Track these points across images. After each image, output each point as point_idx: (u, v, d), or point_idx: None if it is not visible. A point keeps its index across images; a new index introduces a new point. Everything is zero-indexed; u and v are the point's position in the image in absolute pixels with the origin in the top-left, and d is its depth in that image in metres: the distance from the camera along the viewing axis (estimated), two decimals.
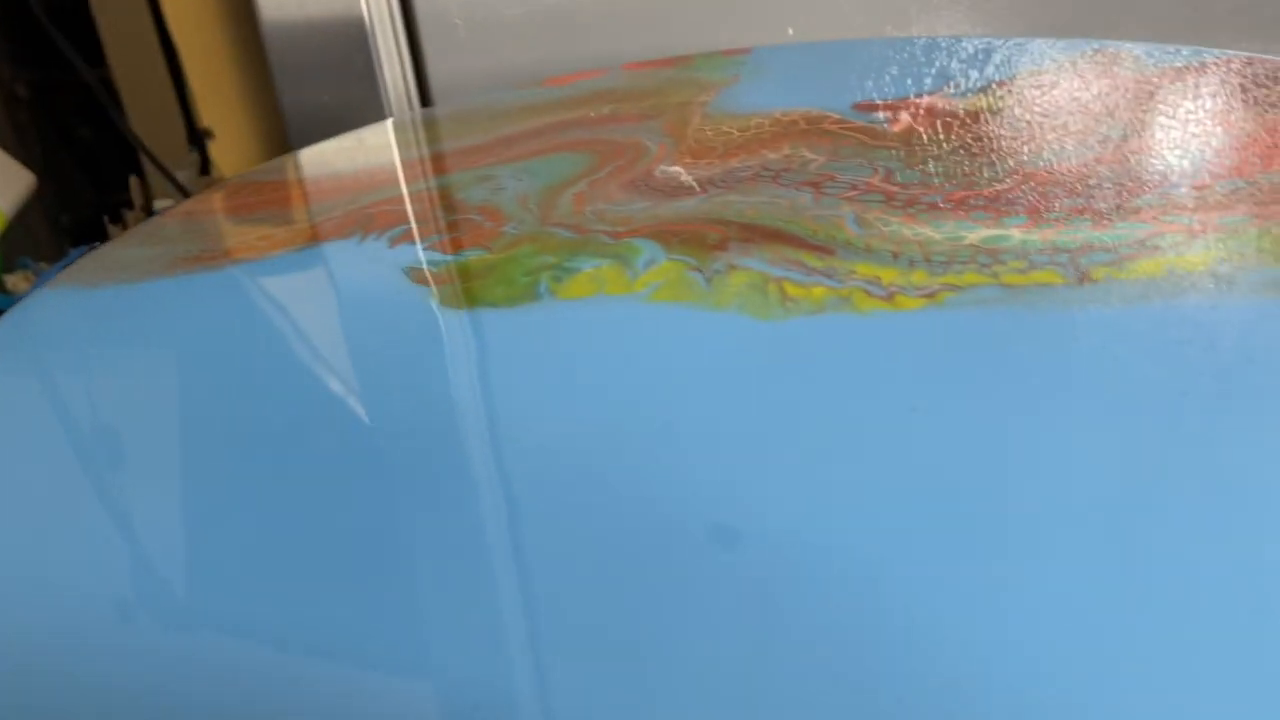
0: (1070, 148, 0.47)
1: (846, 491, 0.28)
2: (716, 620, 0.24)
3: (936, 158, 0.47)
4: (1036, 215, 0.41)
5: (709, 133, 0.54)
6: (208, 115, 0.92)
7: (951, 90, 0.56)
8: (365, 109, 0.80)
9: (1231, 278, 0.35)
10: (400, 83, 0.80)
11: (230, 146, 0.93)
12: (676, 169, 0.48)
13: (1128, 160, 0.45)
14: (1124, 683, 0.21)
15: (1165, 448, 0.28)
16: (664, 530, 0.27)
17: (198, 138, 0.93)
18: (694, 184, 0.45)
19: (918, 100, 0.55)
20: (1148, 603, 0.23)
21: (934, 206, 0.43)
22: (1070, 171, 0.44)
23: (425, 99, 0.82)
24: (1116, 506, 0.26)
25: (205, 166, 0.96)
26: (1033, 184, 0.44)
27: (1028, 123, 0.51)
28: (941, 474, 0.28)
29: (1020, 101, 0.54)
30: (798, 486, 0.28)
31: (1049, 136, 0.49)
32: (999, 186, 0.44)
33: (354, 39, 0.79)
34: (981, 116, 0.52)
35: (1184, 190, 0.42)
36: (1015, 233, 0.40)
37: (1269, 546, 0.24)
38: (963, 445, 0.29)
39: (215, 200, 0.56)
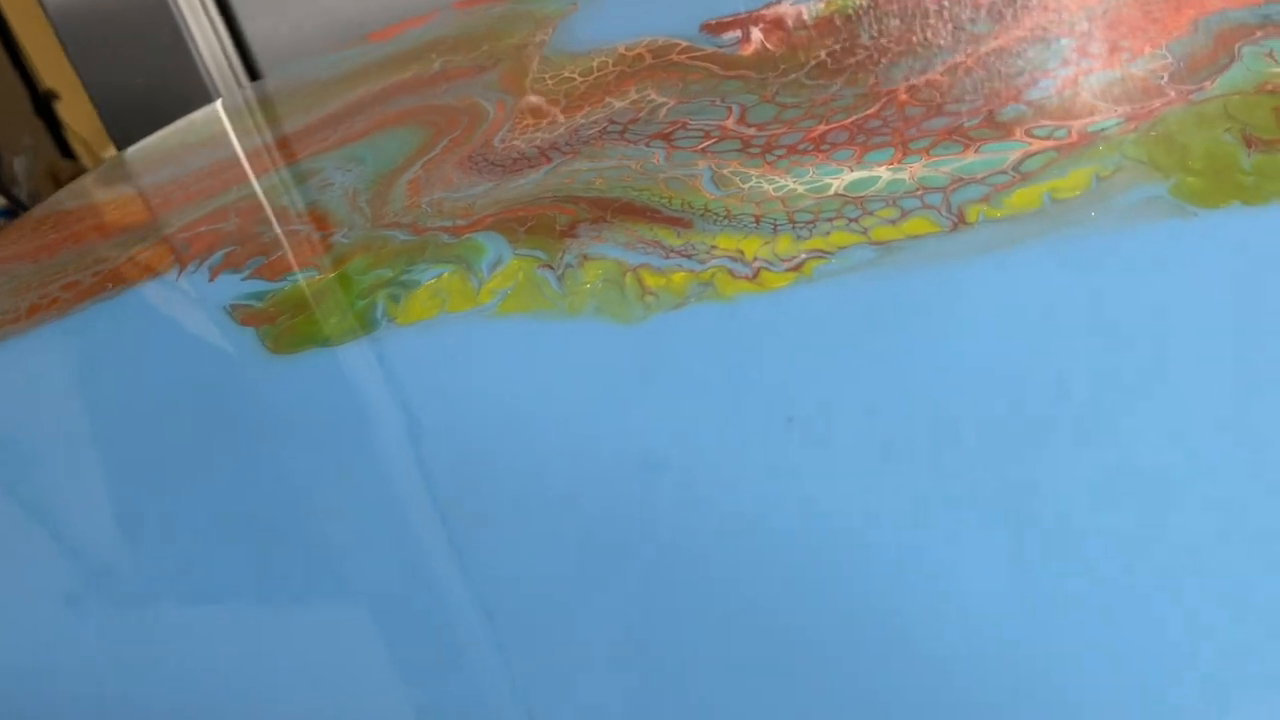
0: (932, 53, 0.43)
1: (723, 519, 0.25)
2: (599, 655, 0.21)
3: (791, 85, 0.44)
4: (903, 146, 0.37)
5: (549, 81, 0.50)
6: (50, 78, 0.83)
7: None
8: (185, 86, 0.72)
9: (1108, 198, 0.32)
10: (218, 52, 0.73)
11: (82, 108, 0.85)
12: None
13: (991, 63, 0.42)
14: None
15: (1054, 423, 0.26)
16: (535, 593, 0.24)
17: (43, 102, 0.85)
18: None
19: (767, 13, 0.51)
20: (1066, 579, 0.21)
21: (793, 150, 0.39)
22: (933, 84, 0.41)
23: (249, 65, 0.74)
24: (1017, 499, 0.24)
25: (64, 149, 0.87)
26: (895, 105, 0.40)
27: (884, 28, 0.47)
28: (826, 491, 0.25)
29: (875, 4, 0.49)
30: (671, 519, 0.25)
31: (909, 41, 0.45)
32: (860, 113, 0.40)
33: (157, 11, 0.71)
34: (835, 27, 0.48)
35: (1051, 94, 0.38)
36: (882, 172, 0.36)
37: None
38: (842, 454, 0.26)
39: (14, 241, 0.50)
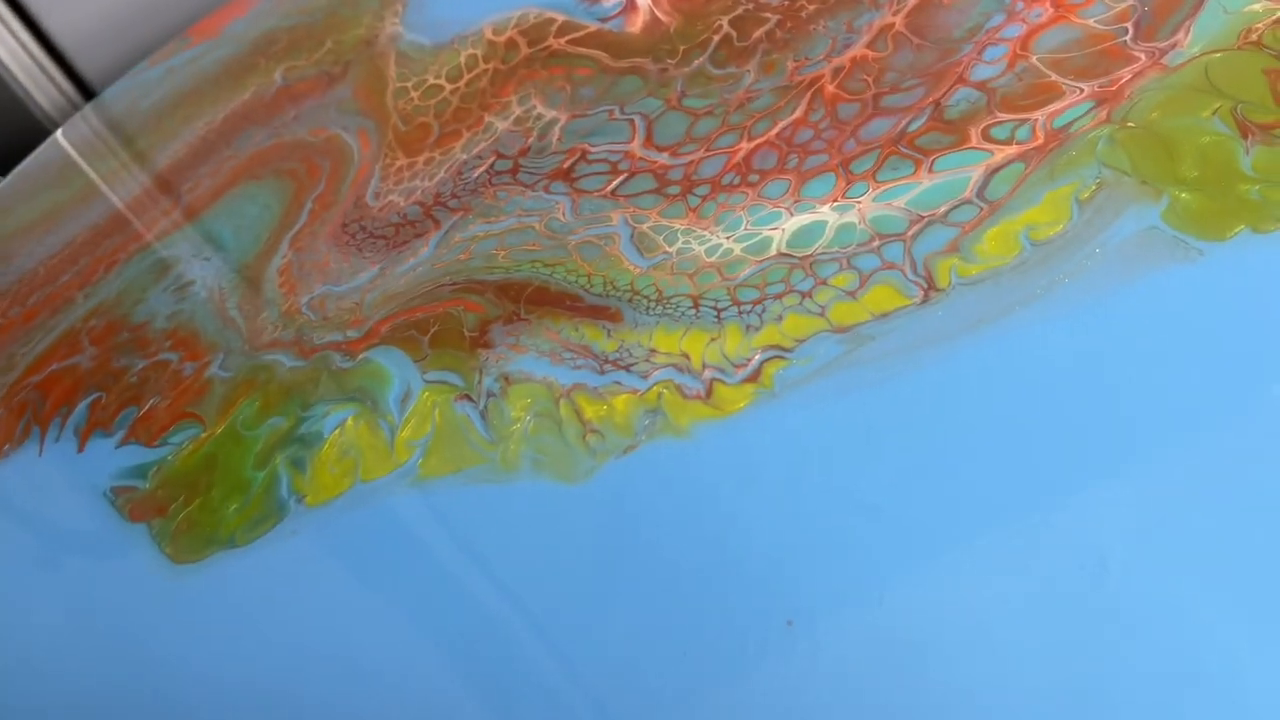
0: (851, 9, 0.37)
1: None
2: None
3: (697, 78, 0.37)
4: (843, 168, 0.32)
5: (414, 95, 0.42)
6: None
7: None
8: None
9: (1095, 235, 0.28)
10: (18, 52, 0.62)
11: None
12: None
13: (922, 22, 0.35)
14: None
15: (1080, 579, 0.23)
16: None
17: None
18: None
19: None
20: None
21: (717, 184, 0.33)
22: (862, 64, 0.35)
23: (61, 63, 0.64)
24: None
25: None
26: (823, 102, 0.34)
27: None
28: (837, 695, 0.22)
29: None
30: None
31: (830, 4, 0.38)
32: (786, 118, 0.34)
33: None
34: None
35: (1002, 69, 0.33)
36: (826, 213, 0.31)
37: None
38: (854, 658, 0.23)
39: None
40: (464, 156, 0.38)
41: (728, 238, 0.32)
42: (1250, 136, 0.28)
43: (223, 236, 0.40)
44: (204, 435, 0.33)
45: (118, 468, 0.34)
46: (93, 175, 0.47)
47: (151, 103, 0.49)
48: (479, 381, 0.31)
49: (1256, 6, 0.31)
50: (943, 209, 0.30)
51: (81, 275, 0.42)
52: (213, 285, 0.38)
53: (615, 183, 0.35)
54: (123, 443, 0.35)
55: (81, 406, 0.36)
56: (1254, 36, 0.30)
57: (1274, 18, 0.30)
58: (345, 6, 0.49)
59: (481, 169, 0.38)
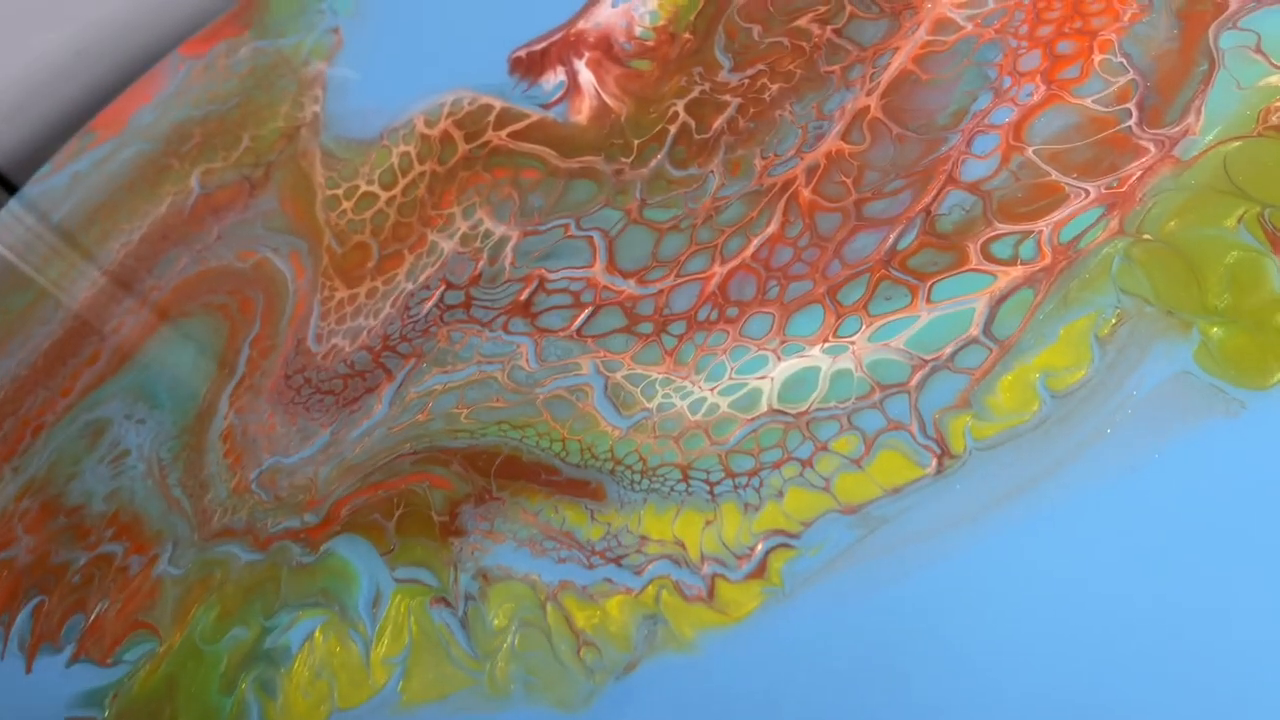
0: (819, 88, 0.33)
1: None
2: None
3: (656, 182, 0.34)
4: (831, 297, 0.29)
5: (346, 205, 0.38)
6: None
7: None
8: None
9: (1121, 385, 0.25)
10: None
11: None
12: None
13: (899, 105, 0.32)
14: None
15: None
16: None
17: None
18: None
19: (588, 30, 0.39)
20: None
21: (693, 320, 0.30)
22: (838, 161, 0.31)
23: None
24: None
25: None
26: (800, 212, 0.31)
27: (743, 46, 0.36)
28: None
29: (753, 10, 0.38)
30: None
31: (783, 68, 0.34)
32: (760, 233, 0.31)
33: None
34: (682, 49, 0.37)
35: (995, 163, 0.29)
36: (818, 356, 0.28)
37: None
38: None
39: None
40: (410, 286, 0.35)
41: (712, 389, 0.29)
42: None
43: (156, 392, 0.37)
44: (161, 651, 0.31)
45: (71, 694, 0.31)
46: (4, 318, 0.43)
47: (60, 219, 0.45)
48: (455, 580, 0.28)
49: (1274, 79, 0.28)
50: (948, 350, 0.27)
51: (6, 443, 0.38)
52: (151, 455, 0.35)
53: (580, 319, 0.32)
54: (73, 660, 0.32)
55: (24, 613, 0.33)
56: (1275, 119, 0.27)
57: None
58: (259, 91, 0.44)
59: (431, 302, 0.34)
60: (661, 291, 0.31)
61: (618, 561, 0.27)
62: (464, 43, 0.41)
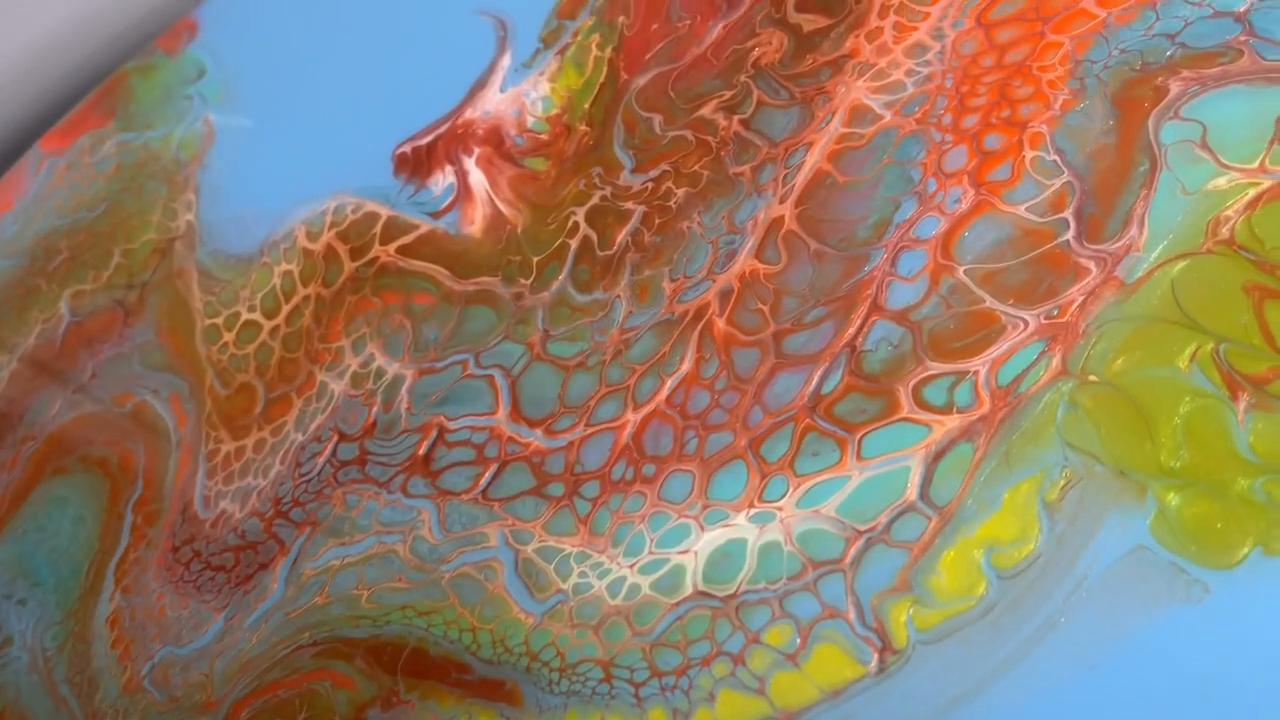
0: (728, 192, 0.30)
1: None
2: None
3: (558, 310, 0.31)
4: (754, 451, 0.26)
5: (227, 337, 0.35)
6: None
7: (518, 75, 0.36)
8: None
9: (1072, 562, 0.23)
10: None
11: None
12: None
13: (815, 214, 0.29)
14: None
15: None
16: None
17: None
18: None
19: (477, 122, 0.35)
20: None
21: (607, 480, 0.28)
22: (754, 284, 0.29)
23: None
24: None
25: None
26: (714, 344, 0.28)
27: (642, 139, 0.33)
28: None
29: (617, 90, 0.34)
30: None
31: (687, 168, 0.31)
32: (673, 372, 0.28)
33: None
34: (578, 144, 0.33)
35: (923, 288, 0.27)
36: (744, 525, 0.26)
37: None
38: None
39: None
40: (300, 438, 0.32)
41: (631, 566, 0.26)
42: (1241, 397, 0.23)
43: (37, 567, 0.34)
44: None
45: None
46: None
47: None
48: None
49: (1222, 181, 0.25)
50: (883, 519, 0.24)
51: None
52: (34, 645, 0.32)
53: (485, 479, 0.29)
54: None
55: None
56: (1225, 231, 0.24)
57: (1245, 198, 0.25)
58: (128, 195, 0.40)
59: (323, 457, 0.31)
60: (571, 444, 0.28)
61: None
62: (345, 134, 0.38)
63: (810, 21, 0.32)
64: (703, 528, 0.26)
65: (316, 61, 0.40)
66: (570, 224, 0.32)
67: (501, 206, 0.33)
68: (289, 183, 0.37)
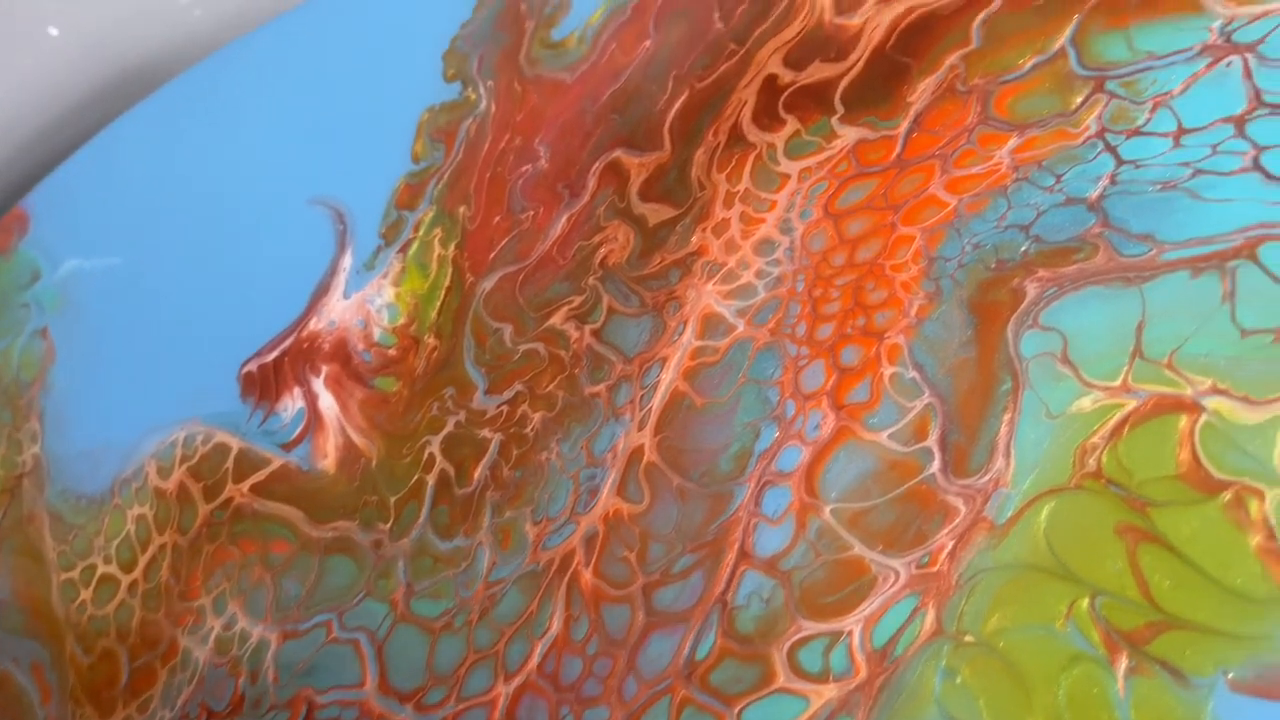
0: (586, 425, 0.29)
1: None
2: None
3: (421, 561, 0.29)
4: (686, 672, 0.25)
5: (84, 595, 0.33)
6: None
7: (361, 277, 0.34)
8: None
9: None
10: None
11: None
12: None
13: (688, 465, 0.27)
14: None
15: None
16: None
17: None
18: None
19: (322, 335, 0.33)
20: None
21: None
22: (619, 527, 0.27)
23: None
24: None
25: None
26: (586, 607, 0.26)
27: (494, 355, 0.31)
28: None
29: (459, 312, 0.32)
30: None
31: (542, 389, 0.29)
32: (543, 637, 0.27)
33: None
34: (430, 358, 0.31)
35: (790, 540, 0.25)
36: None
37: None
38: None
39: None
40: (168, 715, 0.30)
41: None
42: (1118, 659, 0.21)
43: None
44: None
45: None
46: None
47: None
48: None
49: (1086, 402, 0.24)
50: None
51: None
52: None
53: None
54: None
55: None
56: (1092, 463, 0.23)
57: (1110, 422, 0.23)
58: None
59: None
60: None
61: None
62: (189, 349, 0.35)
63: (655, 212, 0.30)
64: None
65: (155, 256, 0.38)
66: (426, 456, 0.30)
67: (354, 435, 0.31)
68: (135, 408, 0.35)
